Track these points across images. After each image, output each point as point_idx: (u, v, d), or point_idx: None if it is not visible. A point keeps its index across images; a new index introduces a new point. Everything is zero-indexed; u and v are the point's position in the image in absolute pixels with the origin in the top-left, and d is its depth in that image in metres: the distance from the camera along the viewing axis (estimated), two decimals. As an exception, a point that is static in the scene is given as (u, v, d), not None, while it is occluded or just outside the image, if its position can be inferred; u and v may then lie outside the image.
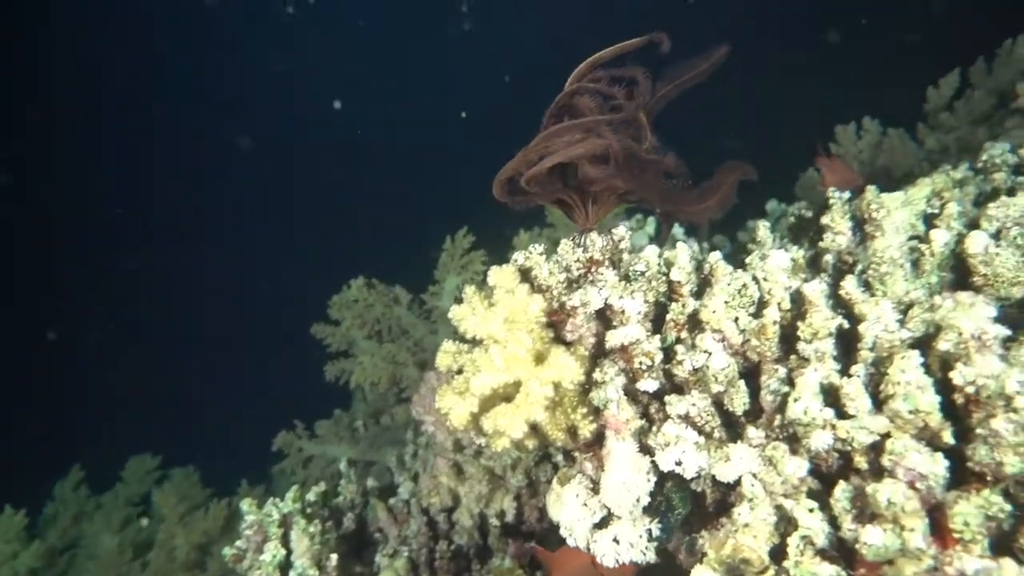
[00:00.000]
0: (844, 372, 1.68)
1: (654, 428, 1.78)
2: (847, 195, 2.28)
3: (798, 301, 1.85)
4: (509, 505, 2.69)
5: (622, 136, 1.78)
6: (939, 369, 1.57)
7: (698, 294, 1.99)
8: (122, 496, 5.47)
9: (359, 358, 4.12)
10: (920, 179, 2.35)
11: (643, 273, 1.92)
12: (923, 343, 1.63)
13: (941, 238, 1.93)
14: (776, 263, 1.88)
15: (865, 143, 4.23)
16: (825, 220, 2.15)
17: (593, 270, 1.97)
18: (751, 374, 1.86)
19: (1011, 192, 2.45)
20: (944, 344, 1.54)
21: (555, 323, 1.94)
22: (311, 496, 3.22)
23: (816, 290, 1.78)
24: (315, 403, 4.97)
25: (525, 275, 1.99)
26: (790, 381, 1.71)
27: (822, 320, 1.75)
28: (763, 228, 2.46)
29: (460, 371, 1.94)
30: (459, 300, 1.99)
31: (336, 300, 4.17)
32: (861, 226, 2.08)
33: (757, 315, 1.85)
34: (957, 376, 1.48)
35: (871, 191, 2.15)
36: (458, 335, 1.96)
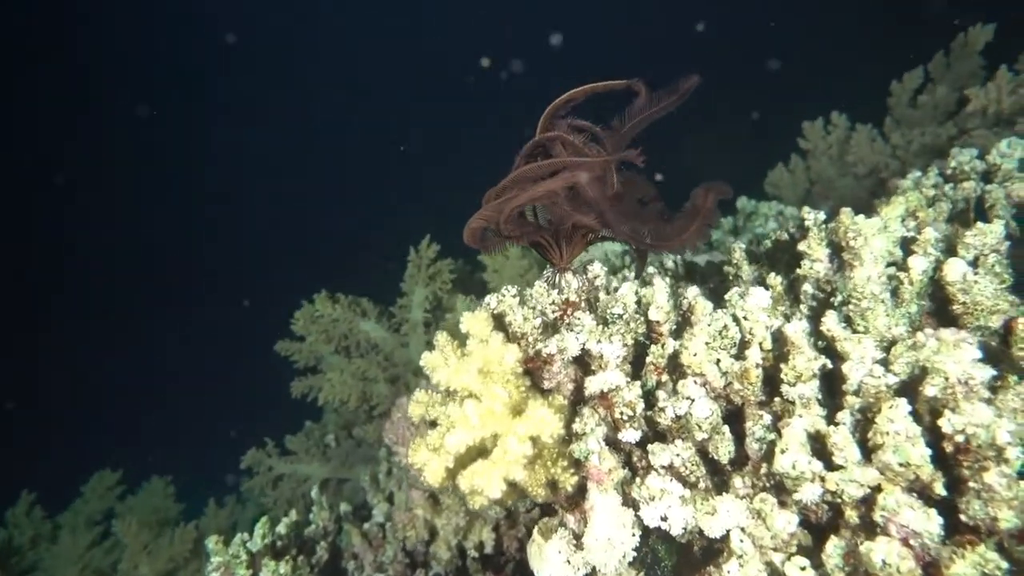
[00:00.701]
0: (830, 418, 1.64)
1: (638, 479, 1.72)
2: (822, 216, 2.23)
3: (780, 341, 1.80)
4: (488, 536, 2.63)
5: (591, 175, 1.69)
6: (927, 413, 1.54)
7: (678, 331, 1.93)
8: (82, 515, 5.28)
9: (327, 374, 4.00)
10: (894, 197, 2.32)
11: (620, 316, 1.85)
12: (909, 386, 1.60)
13: (919, 265, 1.89)
14: (756, 302, 1.83)
15: (834, 138, 4.22)
16: (802, 246, 2.11)
17: (569, 312, 1.90)
18: (735, 416, 1.81)
19: (981, 202, 2.45)
20: (931, 389, 1.51)
21: (532, 370, 1.86)
22: (281, 528, 3.12)
23: (798, 331, 1.73)
24: (288, 409, 4.84)
25: (499, 321, 1.91)
26: (776, 428, 1.67)
27: (805, 362, 1.71)
28: (739, 251, 2.41)
29: (434, 423, 1.86)
30: (431, 346, 1.90)
31: (299, 315, 4.03)
32: (838, 253, 2.04)
33: (739, 356, 1.80)
34: (946, 425, 1.45)
35: (846, 214, 2.11)
36: (431, 383, 1.88)
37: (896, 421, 1.46)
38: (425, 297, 3.96)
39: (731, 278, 2.46)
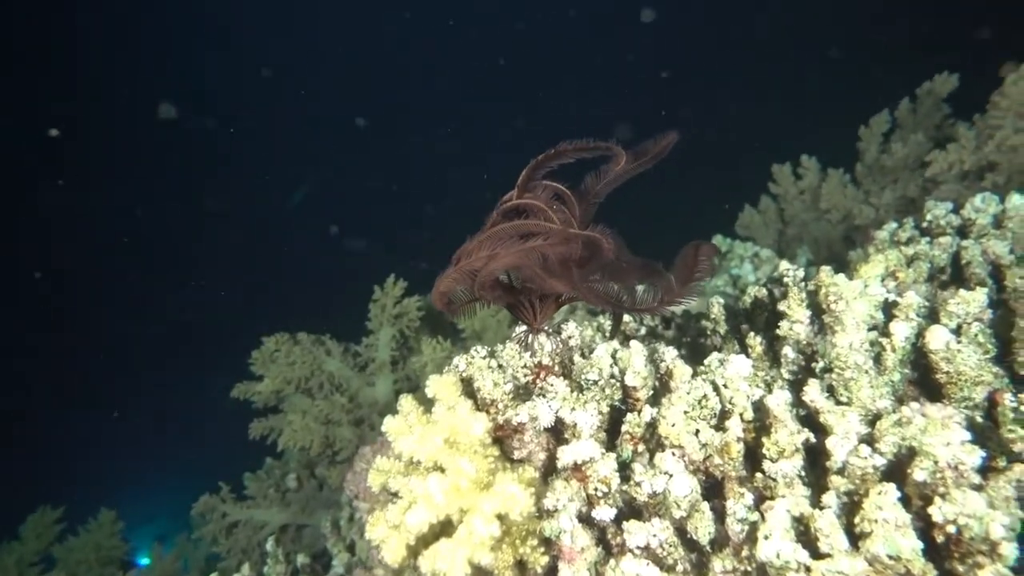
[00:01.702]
0: (815, 497, 1.56)
1: (612, 561, 1.61)
2: (801, 273, 2.18)
3: (762, 411, 1.73)
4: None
5: (556, 248, 1.62)
6: (916, 497, 1.47)
7: (656, 396, 1.84)
8: (15, 554, 4.96)
9: (288, 417, 3.83)
10: (872, 255, 2.28)
11: (596, 382, 1.76)
12: (896, 466, 1.53)
13: (902, 332, 1.84)
14: (737, 370, 1.75)
15: (806, 184, 4.22)
16: (783, 306, 2.05)
17: (542, 376, 1.80)
18: (714, 488, 1.73)
19: (956, 258, 2.42)
20: (920, 474, 1.44)
21: (501, 438, 1.75)
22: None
23: (781, 404, 1.66)
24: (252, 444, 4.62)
25: (468, 384, 1.80)
26: (758, 508, 1.58)
27: (788, 436, 1.63)
28: (717, 306, 2.34)
29: (396, 494, 1.73)
30: (395, 411, 1.79)
31: (257, 355, 3.86)
32: (819, 315, 1.98)
33: (719, 427, 1.71)
34: (937, 514, 1.37)
35: (826, 273, 2.06)
36: (393, 451, 1.76)
37: (885, 508, 1.38)
38: (392, 336, 3.83)
39: (709, 333, 2.39)
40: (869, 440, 1.61)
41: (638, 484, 1.65)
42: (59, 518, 5.07)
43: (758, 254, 3.92)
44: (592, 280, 1.69)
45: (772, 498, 1.58)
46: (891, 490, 1.40)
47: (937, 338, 1.76)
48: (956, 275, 2.39)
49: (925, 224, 2.66)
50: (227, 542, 3.94)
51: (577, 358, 1.84)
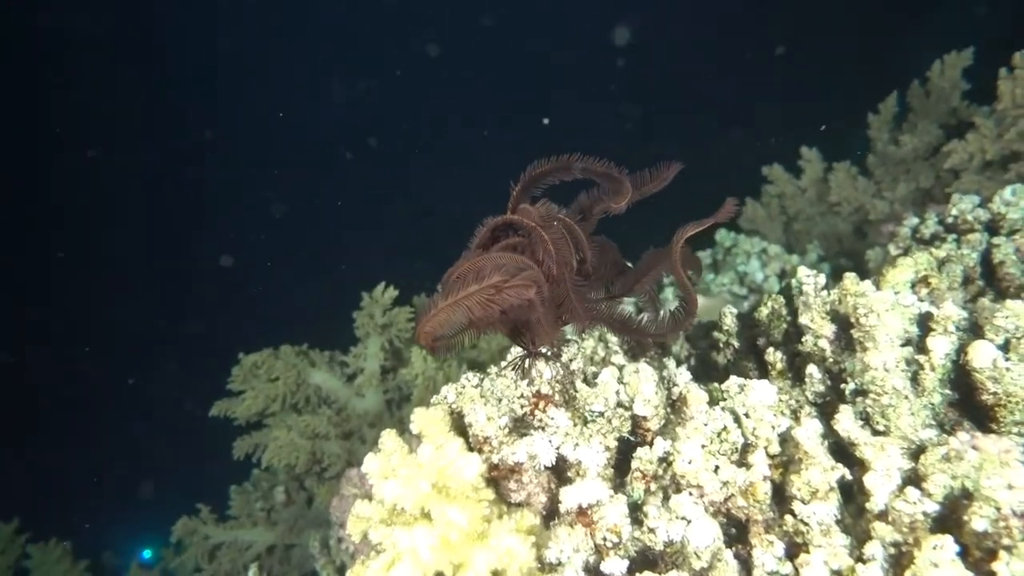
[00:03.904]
0: (854, 547, 1.37)
1: (625, 620, 1.42)
2: (822, 280, 1.98)
3: (788, 443, 1.53)
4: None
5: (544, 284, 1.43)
6: (974, 547, 1.28)
7: (667, 425, 1.65)
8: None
9: (272, 432, 3.63)
10: (900, 259, 2.08)
11: (601, 413, 1.56)
12: (948, 507, 1.34)
13: (941, 348, 1.64)
14: (760, 398, 1.55)
15: (808, 179, 4.01)
16: (804, 319, 1.85)
17: (541, 407, 1.60)
18: (736, 528, 1.53)
19: (987, 257, 2.23)
20: (979, 522, 1.25)
21: (497, 478, 1.56)
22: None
23: (813, 438, 1.47)
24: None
25: (458, 418, 1.60)
26: (790, 557, 1.39)
27: (821, 475, 1.44)
28: (730, 316, 2.15)
29: (378, 547, 1.53)
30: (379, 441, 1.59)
31: (237, 371, 3.65)
32: (846, 328, 1.78)
33: (742, 462, 1.52)
34: (1004, 572, 1.18)
35: (851, 281, 1.86)
36: (374, 495, 1.56)
37: (942, 566, 1.19)
38: (381, 346, 3.63)
39: (722, 345, 2.20)
40: (913, 478, 1.42)
41: (652, 530, 1.46)
42: (18, 529, 4.79)
43: (766, 250, 3.72)
44: (597, 302, 1.49)
45: (806, 547, 1.39)
46: (948, 544, 1.21)
47: (982, 355, 1.56)
48: (986, 275, 2.21)
49: (950, 219, 2.47)
50: (210, 567, 3.74)
51: (580, 384, 1.64)
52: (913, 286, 2.03)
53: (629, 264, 1.80)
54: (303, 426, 3.58)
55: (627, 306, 1.73)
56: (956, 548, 1.21)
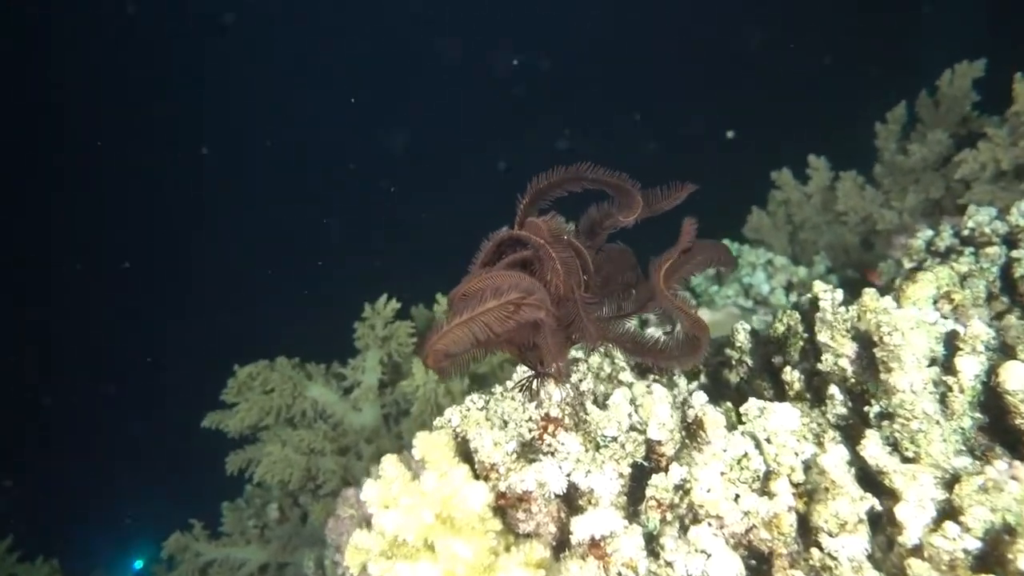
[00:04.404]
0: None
1: (642, 661, 1.33)
2: (839, 296, 1.90)
3: (812, 470, 1.45)
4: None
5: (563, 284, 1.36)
6: (1014, 587, 1.19)
7: (682, 449, 1.56)
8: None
9: (266, 447, 3.53)
10: (921, 274, 2.00)
11: (615, 438, 1.48)
12: (989, 546, 1.25)
13: (970, 369, 1.57)
14: (782, 423, 1.47)
15: (815, 186, 3.95)
16: (823, 337, 1.77)
17: (551, 431, 1.51)
18: (758, 561, 1.45)
19: (1007, 271, 2.16)
20: None
21: (504, 507, 1.47)
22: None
23: (840, 466, 1.38)
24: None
25: (463, 443, 1.51)
26: (817, 595, 1.30)
27: (850, 506, 1.35)
28: (743, 333, 2.07)
29: (379, 580, 1.44)
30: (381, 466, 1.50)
31: (231, 383, 3.55)
32: (867, 348, 1.70)
33: (764, 490, 1.44)
34: (1050, 615, 1.10)
35: (871, 297, 1.78)
36: (374, 526, 1.47)
37: (987, 609, 1.11)
38: (380, 360, 3.54)
39: (735, 363, 2.11)
40: (948, 510, 1.34)
41: (670, 564, 1.37)
42: (10, 547, 4.68)
43: (772, 261, 3.65)
44: (609, 320, 1.41)
45: (834, 583, 1.31)
46: (993, 585, 1.12)
47: (1016, 376, 1.48)
48: (1006, 291, 2.14)
49: (966, 232, 2.40)
50: (202, 586, 3.63)
51: (591, 407, 1.56)
52: (935, 302, 1.95)
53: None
54: (298, 441, 3.48)
55: (633, 323, 1.64)
56: (1000, 588, 1.13)
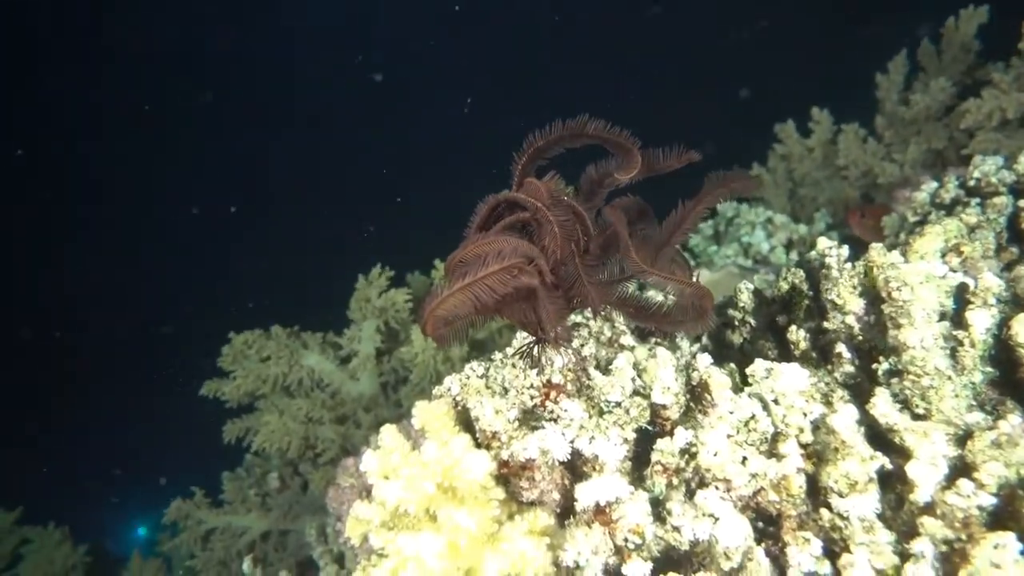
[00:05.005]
0: (899, 545, 1.26)
1: (650, 626, 1.31)
2: (846, 252, 1.85)
3: (821, 429, 1.42)
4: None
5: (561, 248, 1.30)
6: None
7: (688, 410, 1.53)
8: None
9: (263, 417, 3.50)
10: (928, 227, 1.95)
11: (619, 403, 1.44)
12: (1004, 499, 1.23)
13: (982, 323, 1.53)
14: (791, 383, 1.43)
15: (816, 140, 3.86)
16: (831, 295, 1.72)
17: (553, 397, 1.47)
18: (768, 524, 1.43)
19: (1014, 220, 2.11)
20: (1040, 517, 1.14)
21: (508, 475, 1.44)
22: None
23: (850, 426, 1.35)
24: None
25: (463, 412, 1.47)
26: (829, 556, 1.28)
27: (860, 466, 1.32)
28: (746, 292, 2.02)
29: (381, 551, 1.42)
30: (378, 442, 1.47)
31: (227, 351, 3.51)
32: (875, 303, 1.66)
33: (772, 451, 1.41)
34: (1068, 572, 1.08)
35: (877, 252, 1.74)
36: (374, 497, 1.44)
37: (1005, 568, 1.08)
38: (376, 328, 3.49)
39: (737, 324, 2.07)
40: (961, 466, 1.31)
41: (677, 529, 1.35)
42: (18, 519, 4.71)
43: (771, 219, 3.59)
44: (612, 284, 1.36)
45: (845, 543, 1.28)
46: (1011, 543, 1.10)
47: (1027, 330, 1.45)
48: (1014, 240, 2.09)
49: (972, 183, 2.34)
50: (203, 554, 3.64)
51: (593, 372, 1.51)
52: (943, 255, 1.90)
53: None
54: (295, 410, 3.46)
55: (634, 287, 1.59)
56: (1019, 547, 1.10)
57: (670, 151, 1.42)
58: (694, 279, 1.51)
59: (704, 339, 2.19)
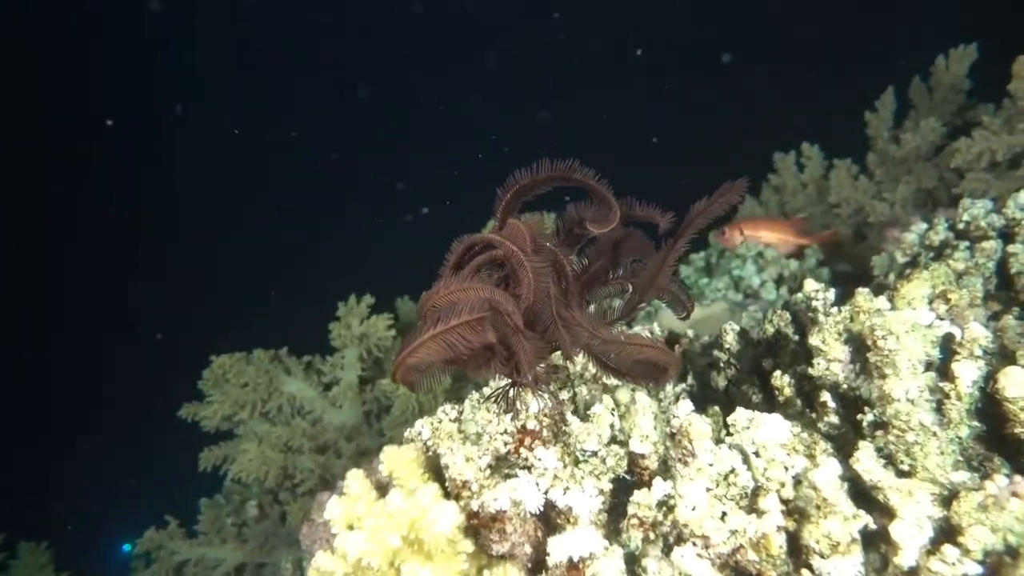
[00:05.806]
0: (881, 609, 1.21)
1: None
2: (832, 296, 1.83)
3: (803, 485, 1.37)
4: None
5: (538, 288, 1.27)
6: (1016, 615, 1.12)
7: (666, 461, 1.48)
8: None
9: (242, 445, 3.43)
10: (916, 272, 1.92)
11: (595, 453, 1.39)
12: (991, 568, 1.18)
13: (968, 375, 1.49)
14: (772, 435, 1.39)
15: (809, 176, 3.86)
16: (814, 340, 1.69)
17: (528, 444, 1.42)
18: (744, 583, 1.37)
19: (1003, 267, 2.09)
20: (1027, 588, 1.09)
21: (477, 527, 1.38)
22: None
23: (832, 483, 1.30)
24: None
25: (434, 458, 1.42)
26: (808, 622, 1.23)
27: (843, 525, 1.28)
28: (731, 334, 1.98)
29: (343, 604, 1.35)
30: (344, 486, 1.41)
31: (208, 375, 3.45)
32: (861, 351, 1.62)
33: (752, 507, 1.36)
34: (1056, 649, 1.03)
35: (863, 297, 1.71)
36: (336, 548, 1.38)
37: (989, 643, 1.03)
38: (358, 356, 3.44)
39: (722, 366, 2.03)
40: (946, 528, 1.26)
41: (652, 587, 1.29)
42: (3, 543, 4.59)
43: (762, 253, 3.57)
44: (594, 328, 1.32)
45: (826, 608, 1.23)
46: (996, 617, 1.05)
47: (1016, 383, 1.41)
48: (1002, 287, 2.07)
49: (961, 225, 2.33)
50: (176, 588, 3.54)
51: (571, 418, 1.47)
52: (931, 302, 1.87)
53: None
54: (275, 438, 3.39)
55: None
56: (1004, 621, 1.05)
57: (647, 206, 1.39)
58: (692, 311, 1.51)
59: (690, 379, 2.15)
